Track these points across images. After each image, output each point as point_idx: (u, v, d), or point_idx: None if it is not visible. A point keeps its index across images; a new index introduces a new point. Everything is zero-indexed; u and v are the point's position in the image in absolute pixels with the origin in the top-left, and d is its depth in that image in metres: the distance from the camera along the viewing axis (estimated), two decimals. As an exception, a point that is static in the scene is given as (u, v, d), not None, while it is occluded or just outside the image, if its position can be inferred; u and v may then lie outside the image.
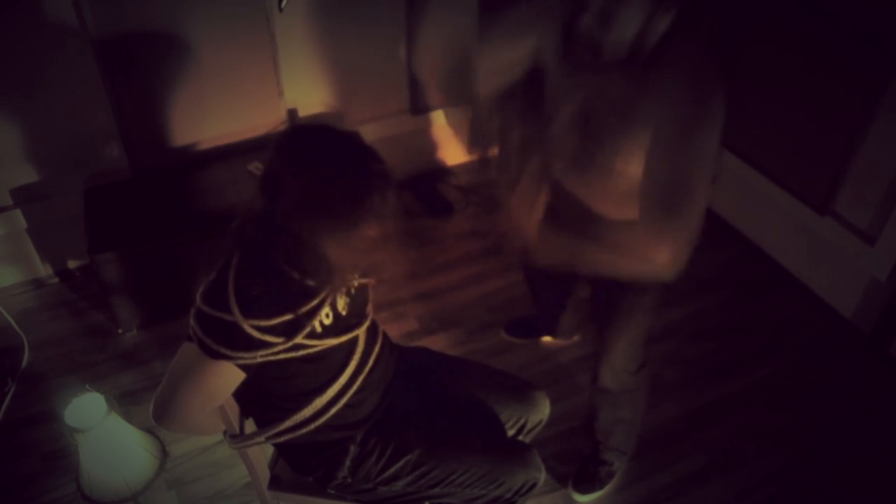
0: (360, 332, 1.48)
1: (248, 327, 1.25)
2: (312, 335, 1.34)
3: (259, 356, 1.28)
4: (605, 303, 1.83)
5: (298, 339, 1.30)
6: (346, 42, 2.83)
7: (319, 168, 1.19)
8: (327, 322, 1.37)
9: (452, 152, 3.40)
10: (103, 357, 2.56)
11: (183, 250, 2.51)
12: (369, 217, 1.21)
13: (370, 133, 3.03)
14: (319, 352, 1.37)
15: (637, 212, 1.54)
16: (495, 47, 1.63)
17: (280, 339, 1.29)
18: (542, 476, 1.60)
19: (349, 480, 1.54)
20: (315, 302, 1.31)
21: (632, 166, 1.46)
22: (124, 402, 2.36)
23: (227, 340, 1.26)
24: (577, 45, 1.35)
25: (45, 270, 2.82)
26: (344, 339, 1.42)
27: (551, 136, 1.68)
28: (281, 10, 2.59)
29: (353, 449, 1.52)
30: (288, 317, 1.29)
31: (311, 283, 1.30)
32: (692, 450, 2.27)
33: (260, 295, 1.27)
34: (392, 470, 1.52)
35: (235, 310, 1.24)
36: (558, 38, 1.43)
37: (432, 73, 3.08)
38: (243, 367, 1.30)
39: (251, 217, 1.27)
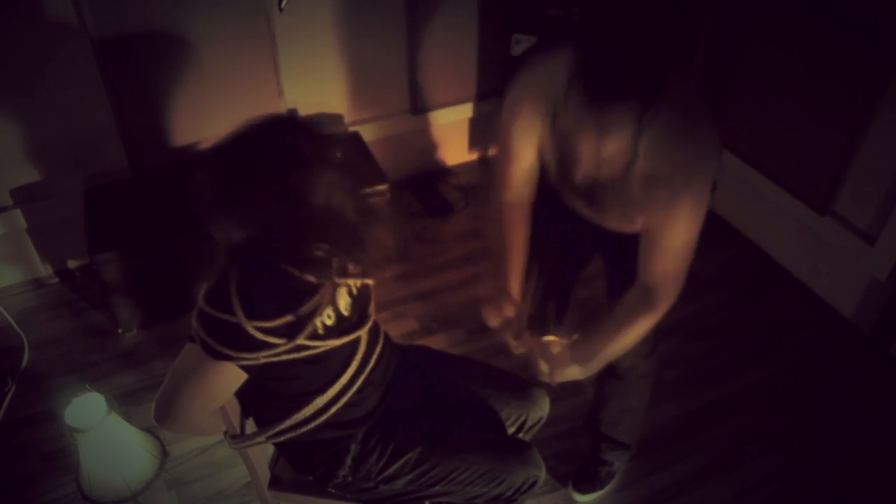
0: (363, 333, 1.48)
1: (251, 329, 1.25)
2: (315, 336, 1.34)
3: (262, 357, 1.28)
4: (619, 285, 1.84)
5: (300, 341, 1.31)
6: (346, 42, 2.83)
7: (250, 167, 1.22)
8: (329, 323, 1.37)
9: (452, 152, 3.40)
10: (103, 357, 2.56)
11: (183, 250, 2.51)
12: (323, 172, 1.23)
13: (370, 133, 3.04)
14: (322, 353, 1.37)
15: None
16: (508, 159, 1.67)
17: (282, 341, 1.29)
18: (543, 474, 1.60)
19: (350, 479, 1.54)
20: (316, 299, 1.31)
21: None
22: (124, 402, 2.36)
23: (229, 341, 1.26)
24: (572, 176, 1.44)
25: (45, 270, 2.82)
26: (346, 339, 1.42)
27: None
28: (281, 10, 2.59)
29: (353, 447, 1.52)
30: (289, 318, 1.29)
31: (311, 278, 1.30)
32: (692, 450, 2.27)
33: (262, 296, 1.27)
34: (393, 468, 1.52)
35: (239, 311, 1.24)
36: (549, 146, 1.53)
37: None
38: (245, 368, 1.30)
39: (228, 239, 1.27)
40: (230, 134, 1.28)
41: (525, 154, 1.59)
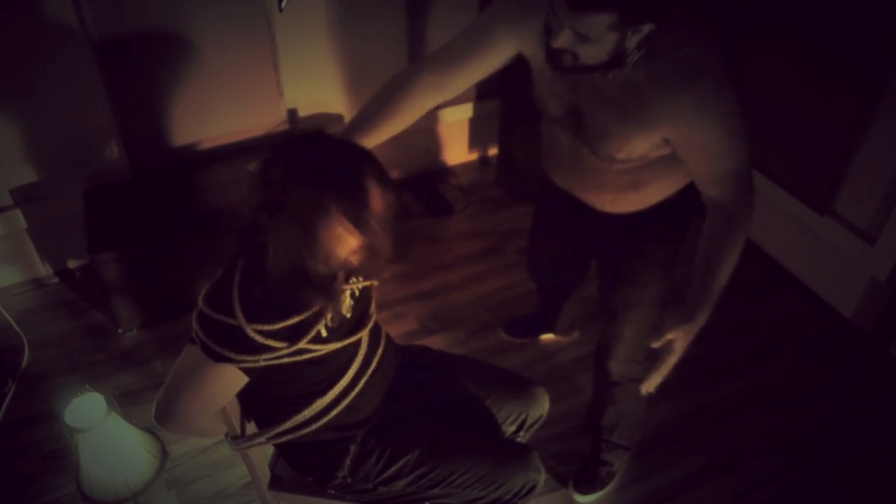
0: (364, 335, 1.48)
1: (252, 332, 1.25)
2: (317, 340, 1.34)
3: (262, 360, 1.28)
4: (611, 294, 1.84)
5: (302, 345, 1.30)
6: (346, 42, 2.83)
7: (321, 175, 1.18)
8: (332, 325, 1.37)
9: (452, 152, 3.40)
10: (103, 357, 2.56)
11: (183, 250, 2.51)
12: (372, 218, 1.20)
13: (370, 133, 3.04)
14: (323, 355, 1.37)
15: (632, 205, 1.66)
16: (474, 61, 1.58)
17: (283, 344, 1.29)
18: (542, 478, 1.60)
19: (349, 480, 1.54)
20: (316, 308, 1.31)
21: (622, 158, 1.50)
22: (124, 402, 2.36)
23: (230, 343, 1.26)
24: (557, 54, 1.35)
25: (45, 270, 2.82)
26: (348, 342, 1.42)
27: (544, 133, 1.70)
28: (281, 10, 2.59)
29: (353, 449, 1.52)
30: (290, 322, 1.28)
31: (317, 299, 1.29)
32: (692, 450, 2.27)
33: (263, 300, 1.26)
34: (392, 470, 1.52)
35: (239, 314, 1.24)
36: (538, 44, 1.43)
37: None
38: (246, 371, 1.30)
39: (253, 225, 1.25)
40: (316, 140, 1.24)
41: (485, 59, 1.53)
